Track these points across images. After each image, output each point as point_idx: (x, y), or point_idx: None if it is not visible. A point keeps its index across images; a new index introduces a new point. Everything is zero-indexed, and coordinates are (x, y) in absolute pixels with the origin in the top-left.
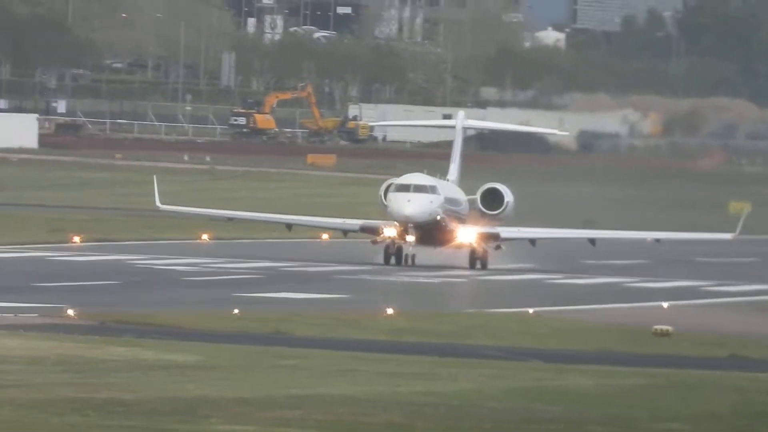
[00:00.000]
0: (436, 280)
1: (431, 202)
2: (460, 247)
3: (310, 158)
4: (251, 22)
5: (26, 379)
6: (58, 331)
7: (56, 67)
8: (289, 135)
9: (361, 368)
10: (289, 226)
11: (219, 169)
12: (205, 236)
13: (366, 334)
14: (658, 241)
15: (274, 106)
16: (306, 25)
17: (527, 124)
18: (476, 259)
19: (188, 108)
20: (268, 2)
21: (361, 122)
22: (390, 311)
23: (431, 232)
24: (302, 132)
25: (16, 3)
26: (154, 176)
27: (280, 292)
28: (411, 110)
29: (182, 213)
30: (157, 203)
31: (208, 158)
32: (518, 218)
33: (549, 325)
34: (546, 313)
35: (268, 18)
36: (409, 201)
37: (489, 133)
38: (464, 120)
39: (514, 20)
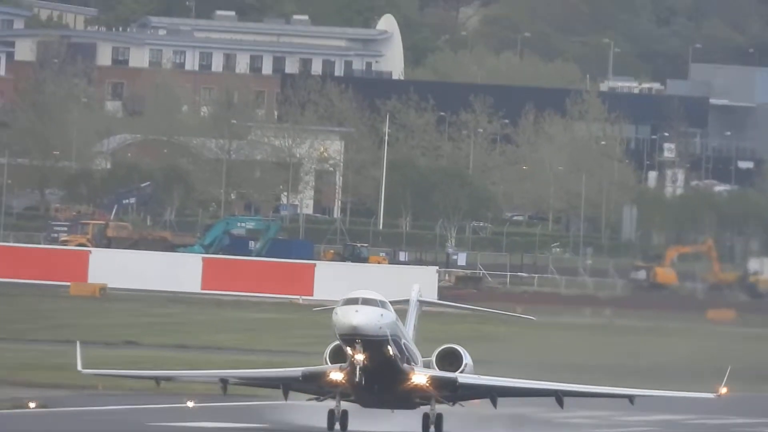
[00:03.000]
0: None
1: (381, 315)
2: (411, 399)
3: (710, 313)
4: (652, 175)
5: None
6: None
7: (457, 219)
8: (689, 289)
9: None
10: None
11: (617, 324)
12: None
13: None
14: (631, 401)
15: (675, 259)
16: (707, 179)
17: None
18: (430, 423)
19: (589, 261)
20: (670, 156)
21: (762, 276)
22: None
23: (380, 362)
24: (702, 286)
25: (417, 156)
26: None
27: None
28: None
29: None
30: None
31: (607, 312)
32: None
33: None
34: None
35: (669, 172)
36: (357, 311)
37: None
38: (418, 293)
39: None
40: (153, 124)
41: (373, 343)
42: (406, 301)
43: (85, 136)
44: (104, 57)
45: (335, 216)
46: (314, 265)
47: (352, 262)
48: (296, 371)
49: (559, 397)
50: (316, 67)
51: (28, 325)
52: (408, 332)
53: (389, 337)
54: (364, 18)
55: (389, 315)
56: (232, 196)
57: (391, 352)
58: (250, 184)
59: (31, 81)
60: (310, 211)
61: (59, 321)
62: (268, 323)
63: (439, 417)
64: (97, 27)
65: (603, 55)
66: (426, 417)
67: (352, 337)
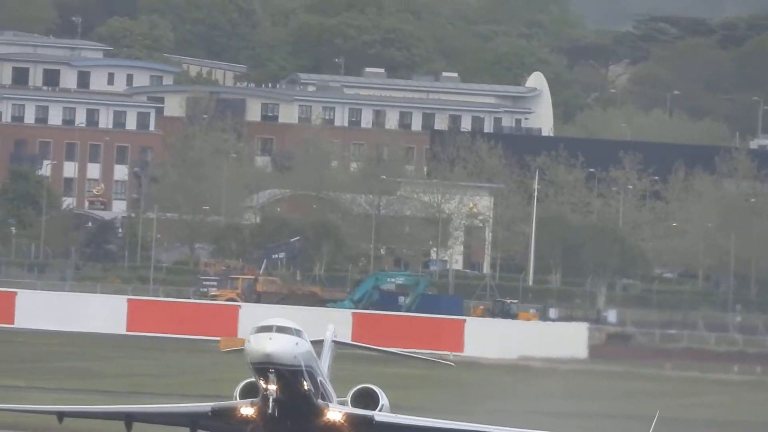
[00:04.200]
0: None
1: (297, 344)
2: None
3: None
4: None
5: None
6: None
7: (607, 276)
8: None
9: None
10: None
11: None
12: None
13: None
14: None
15: None
16: None
17: None
18: None
19: (738, 318)
20: None
21: None
22: None
23: (293, 395)
24: None
25: (566, 212)
26: None
27: None
28: None
29: None
30: None
31: (758, 369)
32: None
33: None
34: None
35: None
36: (270, 339)
37: None
38: (333, 334)
39: None
40: (302, 179)
41: (287, 374)
42: (321, 342)
43: (234, 191)
44: (253, 113)
45: (485, 272)
46: (464, 320)
47: (502, 318)
48: (205, 406)
49: None
50: (466, 124)
51: (179, 379)
52: (323, 370)
53: (303, 368)
54: (514, 75)
55: (304, 344)
56: (382, 251)
57: (305, 385)
58: (400, 240)
59: (180, 136)
60: (459, 266)
61: (209, 376)
62: (417, 380)
63: None
64: (246, 83)
65: (752, 113)
66: None
67: (265, 366)
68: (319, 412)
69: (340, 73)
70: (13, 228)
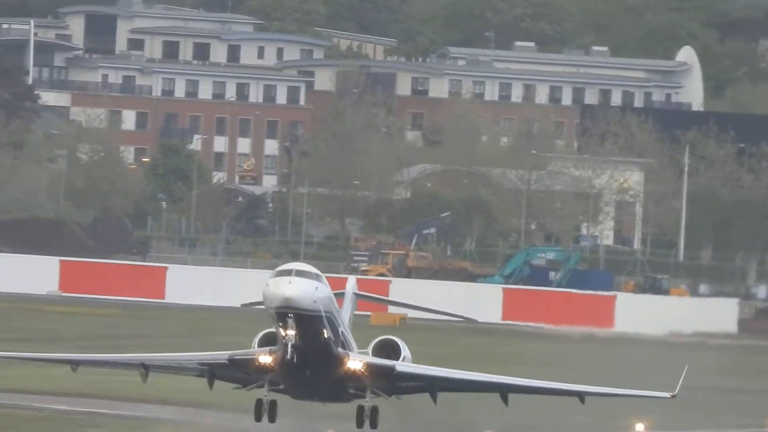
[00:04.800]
0: None
1: (316, 288)
2: (344, 388)
3: None
4: None
5: None
6: None
7: (757, 251)
8: None
9: None
10: None
11: None
12: None
13: None
14: (582, 400)
15: None
16: None
17: None
18: (364, 416)
19: None
20: None
21: None
22: None
23: (313, 342)
24: None
25: (717, 187)
26: None
27: None
28: None
29: None
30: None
31: None
32: None
33: None
34: None
35: None
36: (290, 283)
37: None
38: (354, 286)
39: None
40: (452, 154)
41: (307, 319)
42: (341, 295)
43: (384, 166)
44: (403, 87)
45: (635, 247)
46: (615, 296)
47: (653, 294)
48: (222, 355)
49: (503, 392)
50: (616, 98)
51: None
52: (344, 321)
53: (323, 314)
54: (664, 49)
55: (324, 290)
56: (532, 227)
57: (325, 333)
58: (550, 215)
59: (330, 111)
60: (610, 242)
61: None
62: (571, 355)
63: (374, 410)
64: (396, 57)
65: None
66: (360, 409)
67: (284, 310)
68: (338, 361)
69: (491, 47)
70: (163, 203)
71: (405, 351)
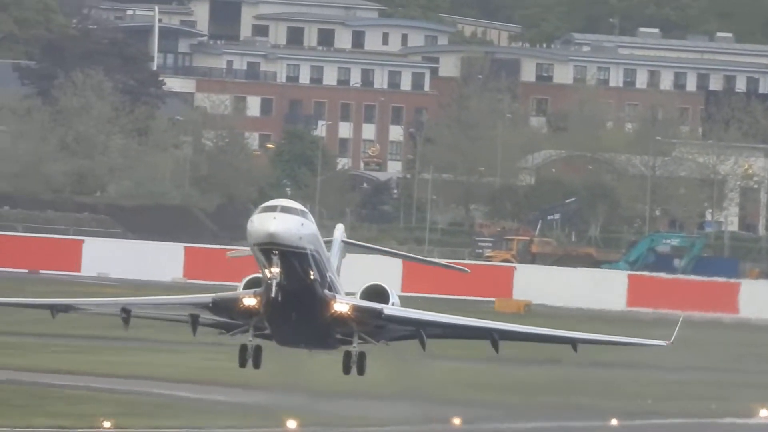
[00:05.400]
0: None
1: (302, 224)
2: (331, 333)
3: None
4: None
5: None
6: None
7: None
8: None
9: None
10: None
11: None
12: None
13: None
14: (574, 347)
15: None
16: None
17: None
18: (351, 362)
19: None
20: None
21: None
22: None
23: (298, 282)
24: None
25: None
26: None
27: None
28: None
29: None
30: None
31: None
32: None
33: None
34: None
35: None
36: (275, 218)
37: None
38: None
39: None
40: (577, 140)
41: (292, 256)
42: (330, 243)
43: (509, 152)
44: (528, 73)
45: (760, 234)
46: (739, 283)
47: None
48: (206, 297)
49: (494, 338)
50: (740, 84)
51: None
52: (332, 266)
53: (309, 252)
54: None
55: (310, 226)
56: (657, 213)
57: (311, 273)
58: (675, 201)
59: (455, 97)
60: (734, 228)
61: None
62: (694, 342)
63: (361, 355)
64: (521, 43)
65: None
66: (347, 355)
67: (268, 246)
68: (325, 302)
69: (615, 33)
70: (288, 189)
71: (394, 297)
